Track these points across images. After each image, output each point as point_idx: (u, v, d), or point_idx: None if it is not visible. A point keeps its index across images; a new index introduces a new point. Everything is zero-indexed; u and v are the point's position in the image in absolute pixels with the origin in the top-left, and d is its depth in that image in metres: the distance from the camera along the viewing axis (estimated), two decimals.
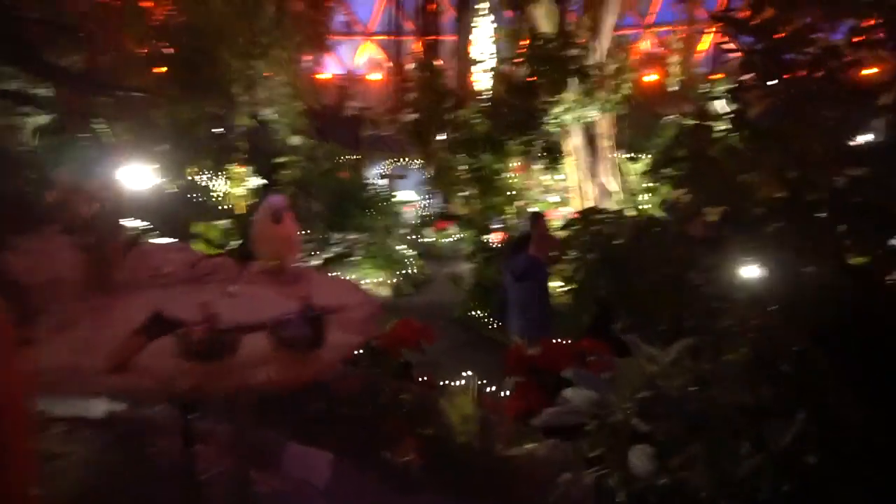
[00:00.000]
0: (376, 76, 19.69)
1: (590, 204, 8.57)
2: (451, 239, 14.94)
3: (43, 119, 11.15)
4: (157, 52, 12.28)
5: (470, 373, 5.31)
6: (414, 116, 9.85)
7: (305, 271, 2.20)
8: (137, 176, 8.31)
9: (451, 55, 14.72)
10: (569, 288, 4.90)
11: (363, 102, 18.56)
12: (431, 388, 3.58)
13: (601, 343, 3.25)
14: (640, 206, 8.41)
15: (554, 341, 3.76)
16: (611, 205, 8.45)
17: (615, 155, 9.36)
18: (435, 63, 12.59)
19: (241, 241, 6.69)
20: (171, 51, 12.06)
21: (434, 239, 15.49)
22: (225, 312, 1.78)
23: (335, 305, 1.59)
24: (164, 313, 1.37)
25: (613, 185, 9.04)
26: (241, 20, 12.30)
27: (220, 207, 11.15)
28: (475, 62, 12.40)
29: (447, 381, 5.16)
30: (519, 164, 9.48)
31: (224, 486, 2.92)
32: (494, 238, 10.20)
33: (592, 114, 8.55)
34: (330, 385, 3.19)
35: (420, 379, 3.61)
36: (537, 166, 9.40)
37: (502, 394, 4.54)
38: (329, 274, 2.53)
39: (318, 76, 19.06)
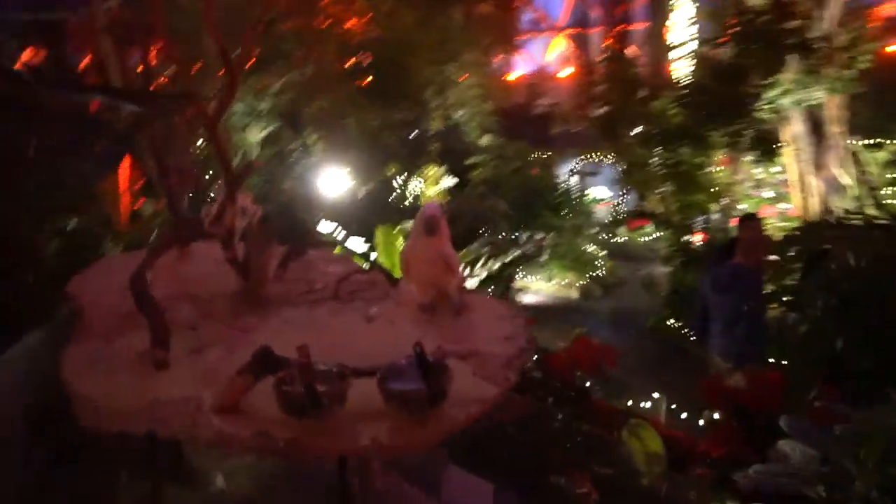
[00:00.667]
0: (568, 71, 19.11)
1: (814, 201, 7.29)
2: (647, 239, 13.97)
3: (265, 131, 12.30)
4: (358, 65, 13.15)
5: (659, 395, 4.74)
6: (604, 110, 9.22)
7: (468, 298, 1.91)
8: (333, 180, 8.88)
9: (644, 43, 13.70)
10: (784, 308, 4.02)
11: (554, 99, 18.13)
12: (612, 416, 3.15)
13: (829, 385, 2.58)
14: (885, 203, 6.94)
15: (764, 372, 3.10)
16: (843, 202, 7.10)
17: (848, 142, 7.87)
18: (626, 52, 11.76)
19: None
20: (368, 63, 12.81)
21: (627, 239, 14.63)
22: (346, 345, 1.59)
23: (466, 349, 1.31)
24: (272, 350, 1.20)
25: (846, 177, 7.62)
26: (430, 29, 12.64)
27: (415, 206, 11.51)
28: (672, 47, 11.36)
29: (631, 403, 4.64)
30: (724, 156, 8.42)
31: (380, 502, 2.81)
32: (695, 239, 9.23)
33: (818, 95, 7.27)
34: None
35: (599, 405, 3.20)
36: (747, 158, 8.26)
37: (699, 422, 3.94)
38: (487, 296, 2.25)
39: (508, 76, 19.05)
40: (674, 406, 4.70)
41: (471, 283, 5.87)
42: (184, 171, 2.08)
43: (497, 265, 6.05)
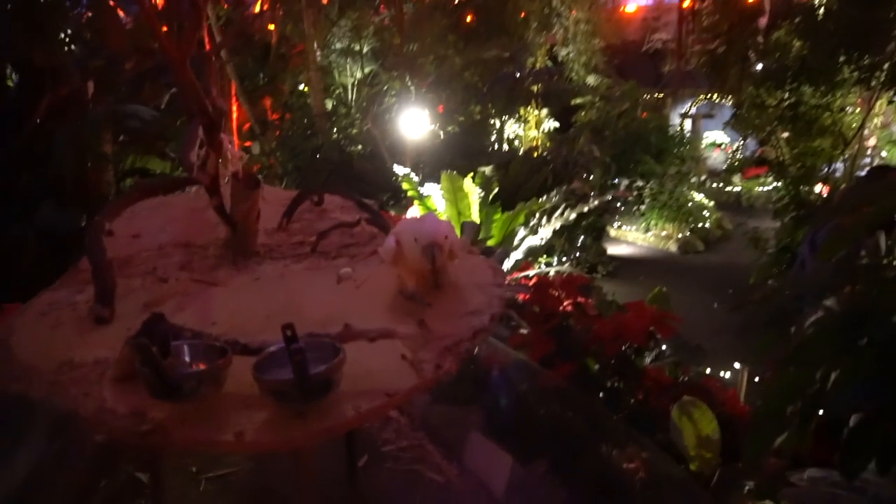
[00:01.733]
0: (686, 4, 17.44)
1: None
2: (764, 189, 12.73)
3: (360, 73, 12.27)
4: (462, 2, 12.67)
5: (739, 365, 4.29)
6: (715, 44, 8.26)
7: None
8: (413, 122, 8.70)
9: None
10: None
11: (669, 35, 16.66)
12: (664, 389, 2.83)
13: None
14: None
15: None
16: None
17: None
18: None
19: (497, 190, 6.41)
20: None
21: (742, 189, 13.41)
22: (303, 309, 1.42)
23: (379, 330, 1.09)
24: (162, 318, 1.05)
25: None
26: None
27: (501, 151, 11.14)
28: None
29: (705, 372, 4.23)
30: (858, 97, 7.32)
31: (401, 463, 2.72)
32: (818, 191, 8.22)
33: None
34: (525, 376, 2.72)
35: (651, 376, 2.88)
36: (883, 99, 7.12)
37: None
38: (478, 258, 1.97)
39: (621, 9, 17.67)
40: (757, 379, 4.25)
41: (543, 233, 5.55)
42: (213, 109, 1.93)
43: (573, 215, 5.66)
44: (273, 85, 10.92)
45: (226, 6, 9.63)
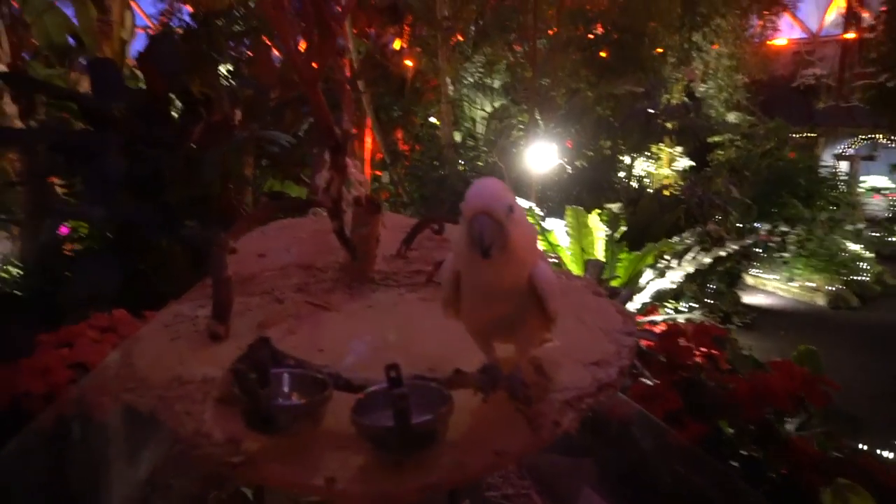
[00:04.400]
0: (849, 36, 16.08)
1: None
2: None
3: (490, 107, 12.48)
4: (591, 35, 12.50)
5: None
6: (883, 78, 7.43)
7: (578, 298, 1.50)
8: (540, 156, 8.56)
9: None
10: None
11: (824, 69, 15.40)
12: (816, 465, 2.45)
13: None
14: None
15: None
16: None
17: None
18: None
19: (625, 229, 6.10)
20: (603, 33, 12.11)
21: None
22: (412, 342, 1.34)
23: (492, 378, 0.97)
24: (268, 342, 1.01)
25: None
26: None
27: (631, 188, 10.70)
28: None
29: (861, 449, 3.68)
30: None
31: None
32: None
33: None
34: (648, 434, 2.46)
35: (800, 448, 2.51)
36: None
37: None
38: (605, 299, 1.75)
39: (770, 42, 16.63)
40: None
41: (673, 276, 5.16)
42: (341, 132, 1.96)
43: (708, 259, 5.23)
44: (406, 117, 11.33)
45: (367, 42, 10.15)
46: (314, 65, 1.61)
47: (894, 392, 5.15)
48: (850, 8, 14.09)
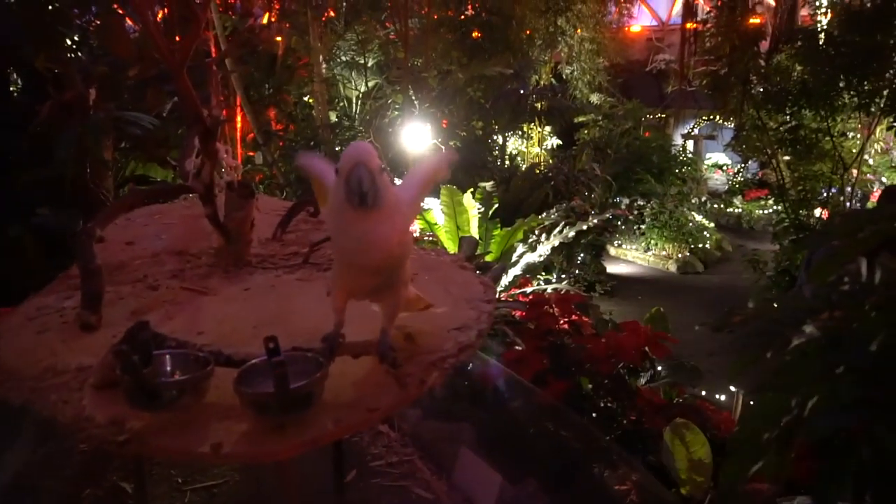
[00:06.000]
0: (690, 26, 17.52)
1: None
2: (765, 212, 12.75)
3: (364, 87, 12.29)
4: (469, 17, 12.76)
5: (735, 388, 4.26)
6: (717, 67, 8.30)
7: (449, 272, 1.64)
8: (416, 136, 8.72)
9: None
10: None
11: (673, 55, 16.77)
12: (656, 410, 2.81)
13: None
14: None
15: None
16: None
17: None
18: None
19: (497, 206, 6.41)
20: (473, 15, 12.38)
21: (743, 210, 13.43)
22: (290, 321, 1.41)
23: (364, 346, 1.09)
24: (146, 326, 1.04)
25: None
26: None
27: (503, 167, 11.14)
28: None
29: (700, 395, 4.20)
30: (858, 122, 7.34)
31: (390, 478, 2.70)
32: (818, 214, 8.22)
33: None
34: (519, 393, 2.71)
35: (644, 396, 2.86)
36: (883, 125, 7.15)
37: None
38: (466, 270, 1.92)
39: (627, 29, 17.78)
40: (752, 403, 4.22)
41: (542, 250, 5.54)
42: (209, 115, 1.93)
43: (572, 233, 5.66)
44: (278, 96, 10.97)
45: (233, 16, 9.69)
46: (182, 48, 1.60)
47: (728, 345, 5.86)
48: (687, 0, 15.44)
